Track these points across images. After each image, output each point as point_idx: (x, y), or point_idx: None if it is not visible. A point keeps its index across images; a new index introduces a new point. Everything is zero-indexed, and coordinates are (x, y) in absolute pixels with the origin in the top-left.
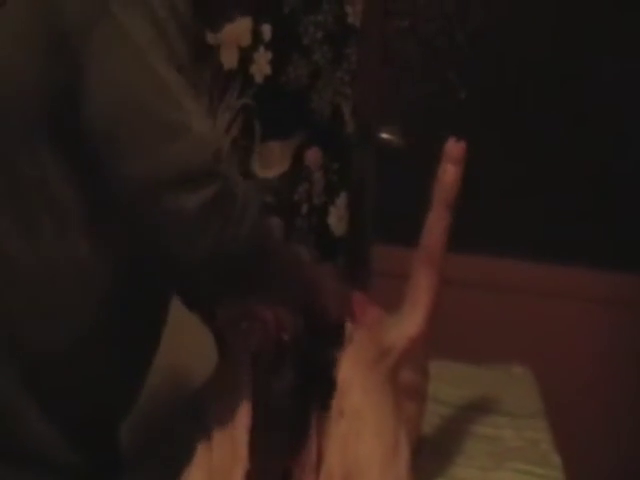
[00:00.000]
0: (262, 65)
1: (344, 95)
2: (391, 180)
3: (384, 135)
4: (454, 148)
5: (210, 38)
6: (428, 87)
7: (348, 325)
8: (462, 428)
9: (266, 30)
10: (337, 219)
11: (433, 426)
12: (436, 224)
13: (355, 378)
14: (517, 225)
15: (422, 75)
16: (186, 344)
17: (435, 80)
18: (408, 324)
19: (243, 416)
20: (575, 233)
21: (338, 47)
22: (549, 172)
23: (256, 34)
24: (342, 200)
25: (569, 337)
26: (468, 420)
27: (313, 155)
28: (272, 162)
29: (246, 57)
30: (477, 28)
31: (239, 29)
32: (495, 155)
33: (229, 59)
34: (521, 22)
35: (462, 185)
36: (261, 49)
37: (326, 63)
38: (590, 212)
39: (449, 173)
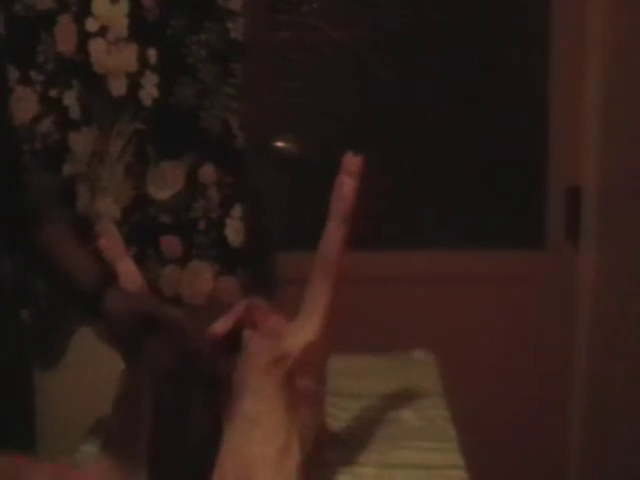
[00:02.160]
0: (150, 89)
1: (232, 110)
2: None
3: (279, 144)
4: (352, 162)
5: (97, 68)
6: (319, 95)
7: (246, 332)
8: (363, 416)
9: (152, 54)
10: (234, 231)
11: (335, 418)
12: (333, 235)
13: (250, 383)
14: (405, 217)
15: (313, 83)
16: None
17: (325, 88)
18: (304, 332)
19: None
20: (461, 218)
21: (223, 63)
22: (431, 161)
23: (142, 59)
24: (237, 212)
25: (470, 319)
26: (369, 408)
27: (206, 172)
28: (166, 183)
29: (134, 82)
30: (364, 35)
31: (126, 56)
32: (382, 152)
33: (117, 86)
34: (407, 26)
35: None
36: (147, 73)
37: (212, 80)
38: (471, 195)
39: (346, 186)
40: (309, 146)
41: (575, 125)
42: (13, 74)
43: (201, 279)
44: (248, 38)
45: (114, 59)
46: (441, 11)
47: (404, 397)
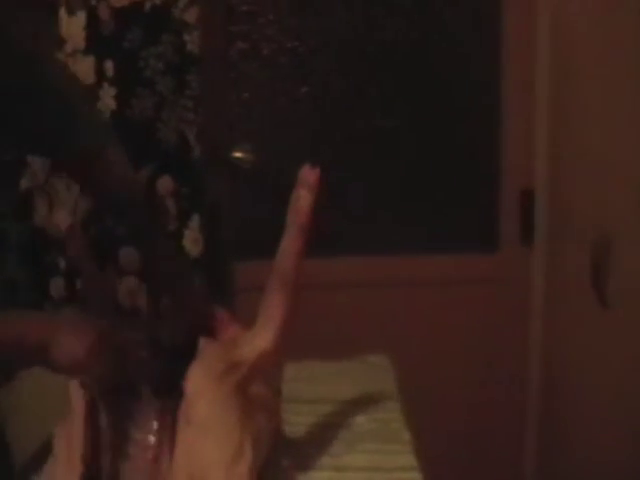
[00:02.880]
0: (107, 100)
1: (188, 121)
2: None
3: (236, 155)
4: (309, 174)
5: None
6: (275, 104)
7: (201, 340)
8: (318, 421)
9: (109, 66)
10: (192, 241)
11: (290, 424)
12: (290, 246)
13: (203, 390)
14: (360, 222)
15: (268, 94)
16: None
17: (281, 97)
18: (259, 340)
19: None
20: (415, 222)
21: (179, 75)
22: (386, 166)
23: (99, 71)
24: (195, 222)
25: (427, 322)
26: (324, 413)
27: (164, 184)
28: None
29: (91, 95)
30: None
31: (83, 68)
32: (337, 159)
33: None
34: (360, 34)
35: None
36: (105, 85)
37: (169, 93)
38: (426, 199)
39: (303, 199)
40: (265, 156)
41: (527, 129)
42: None
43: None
44: (204, 50)
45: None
46: (394, 19)
47: (359, 402)
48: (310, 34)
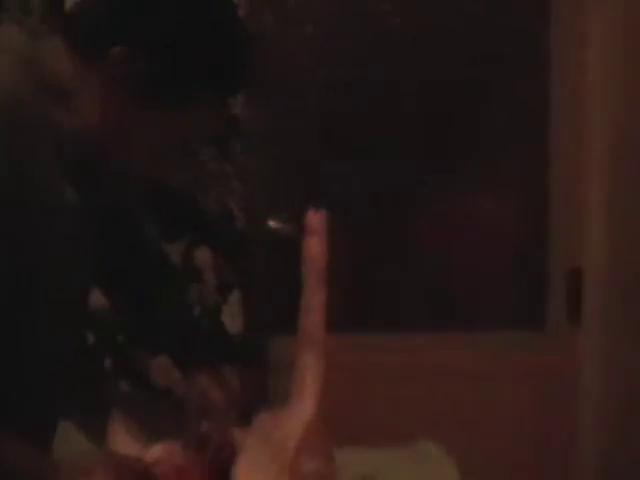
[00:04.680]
0: None
1: (231, 190)
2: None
3: (273, 224)
4: (313, 219)
5: None
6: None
7: (236, 432)
8: None
9: None
10: (231, 317)
11: None
12: (311, 301)
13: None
14: (401, 301)
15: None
16: None
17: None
18: (299, 411)
19: None
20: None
21: (222, 141)
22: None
23: None
24: (235, 298)
25: (473, 407)
26: None
27: (202, 255)
28: None
29: None
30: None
31: None
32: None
33: None
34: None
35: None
36: None
37: (211, 159)
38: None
39: (313, 246)
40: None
41: (577, 206)
42: None
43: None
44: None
45: None
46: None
47: None
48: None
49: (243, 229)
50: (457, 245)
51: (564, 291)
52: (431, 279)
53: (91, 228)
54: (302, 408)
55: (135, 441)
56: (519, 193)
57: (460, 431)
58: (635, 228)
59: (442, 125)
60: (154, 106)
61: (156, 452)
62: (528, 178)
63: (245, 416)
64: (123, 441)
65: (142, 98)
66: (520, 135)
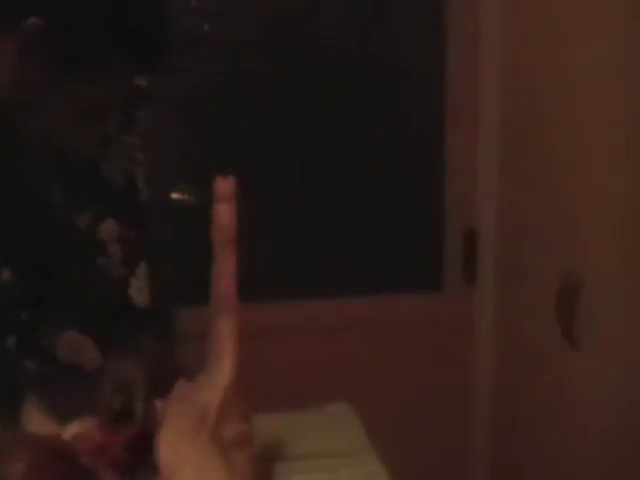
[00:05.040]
0: None
1: (136, 161)
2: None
3: (175, 196)
4: (223, 186)
5: None
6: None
7: (158, 404)
8: None
9: None
10: (138, 290)
11: None
12: (222, 268)
13: (179, 457)
14: (303, 266)
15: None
16: None
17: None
18: (218, 377)
19: None
20: (359, 264)
21: (127, 111)
22: (328, 207)
23: None
24: (142, 270)
25: (373, 365)
26: (300, 470)
27: (108, 228)
28: None
29: None
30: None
31: None
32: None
33: None
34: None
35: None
36: None
37: (115, 130)
38: (370, 241)
39: (222, 213)
40: (205, 197)
41: (471, 171)
42: None
43: (89, 345)
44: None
45: None
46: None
47: (336, 456)
48: (254, 74)
49: (148, 200)
50: (356, 207)
51: (460, 253)
52: (331, 243)
53: None
54: (221, 373)
55: (50, 421)
56: (415, 158)
57: (363, 391)
58: (525, 192)
59: (337, 89)
60: (64, 77)
61: (73, 429)
62: (424, 143)
63: (160, 388)
64: (38, 421)
65: (52, 69)
66: (416, 101)
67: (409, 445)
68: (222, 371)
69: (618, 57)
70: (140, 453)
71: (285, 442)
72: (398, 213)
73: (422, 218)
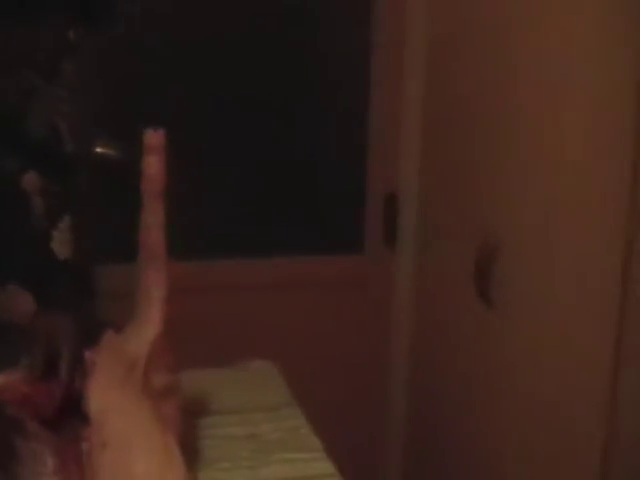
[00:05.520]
0: None
1: (61, 113)
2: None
3: (99, 150)
4: (152, 137)
5: None
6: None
7: (86, 354)
8: (220, 434)
9: None
10: (60, 243)
11: (191, 438)
12: (151, 219)
13: (109, 405)
14: (227, 225)
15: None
16: None
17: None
18: (147, 326)
19: None
20: (282, 225)
21: (53, 62)
22: (249, 166)
23: None
24: (66, 223)
25: (294, 324)
26: (224, 424)
27: (30, 180)
28: None
29: None
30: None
31: None
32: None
33: None
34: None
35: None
36: None
37: (41, 80)
38: (293, 202)
39: (152, 164)
40: (129, 151)
41: (393, 135)
42: None
43: (23, 298)
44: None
45: None
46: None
47: (259, 410)
48: (185, 23)
49: (72, 153)
50: (280, 167)
51: (381, 215)
52: (257, 204)
53: None
54: (150, 324)
55: None
56: (339, 120)
57: (286, 350)
58: (445, 155)
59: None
60: None
61: None
62: (347, 104)
63: (85, 341)
64: None
65: None
66: (341, 64)
67: (329, 403)
68: (151, 321)
69: None
70: (66, 405)
71: (210, 397)
72: (320, 175)
73: (344, 180)
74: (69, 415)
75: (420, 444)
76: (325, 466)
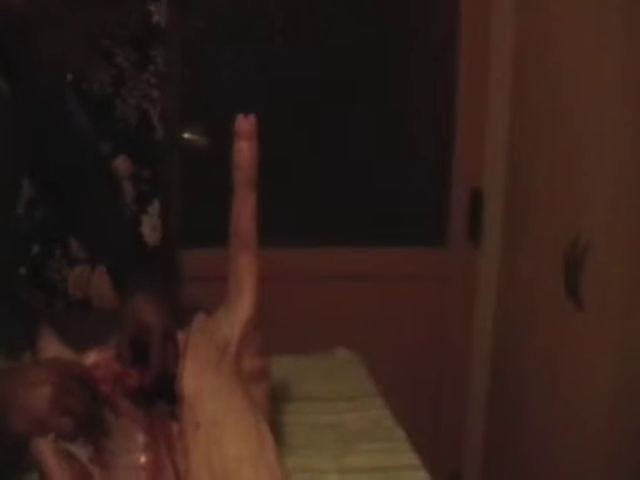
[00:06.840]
0: None
1: (151, 99)
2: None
3: (187, 136)
4: (244, 123)
5: None
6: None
7: (180, 335)
8: (305, 421)
9: None
10: (150, 228)
11: (277, 423)
12: (243, 206)
13: (202, 387)
14: (314, 215)
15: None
16: None
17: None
18: (239, 310)
19: None
20: (368, 217)
21: (143, 48)
22: (338, 159)
23: None
24: (155, 208)
25: (377, 316)
26: (308, 412)
27: (121, 165)
28: None
29: None
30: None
31: None
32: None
33: None
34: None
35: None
36: None
37: (131, 67)
38: (378, 195)
39: (244, 150)
40: (218, 138)
41: (479, 131)
42: None
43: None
44: (169, 23)
45: None
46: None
47: (343, 399)
48: (271, 17)
49: (162, 139)
50: (366, 163)
51: (466, 210)
52: (343, 196)
53: (23, 119)
54: (242, 308)
55: (67, 349)
56: (426, 115)
57: (367, 340)
58: (533, 151)
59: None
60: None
61: (92, 357)
62: (434, 99)
63: (174, 325)
64: (56, 349)
65: None
66: (427, 60)
67: (409, 394)
68: (243, 305)
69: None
70: (156, 386)
71: (293, 383)
72: (407, 168)
73: (430, 174)
74: (160, 395)
75: (501, 438)
76: (410, 457)
